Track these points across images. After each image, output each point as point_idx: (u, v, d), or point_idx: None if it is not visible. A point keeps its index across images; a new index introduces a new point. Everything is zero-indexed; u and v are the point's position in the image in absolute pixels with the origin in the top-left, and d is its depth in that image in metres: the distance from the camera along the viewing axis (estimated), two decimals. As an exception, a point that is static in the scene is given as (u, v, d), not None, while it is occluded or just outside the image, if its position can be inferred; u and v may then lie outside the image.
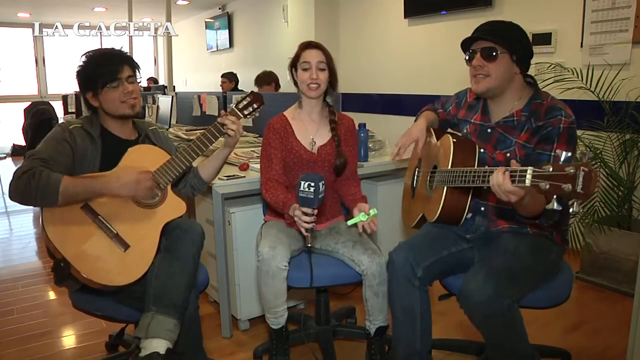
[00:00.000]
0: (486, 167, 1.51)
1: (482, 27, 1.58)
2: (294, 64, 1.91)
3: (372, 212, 1.69)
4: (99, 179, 1.55)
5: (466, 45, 1.61)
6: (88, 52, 1.69)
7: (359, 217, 1.69)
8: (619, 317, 2.35)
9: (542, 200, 1.35)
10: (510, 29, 1.56)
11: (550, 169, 1.13)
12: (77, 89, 1.73)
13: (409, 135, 1.83)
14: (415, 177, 1.91)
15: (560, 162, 1.12)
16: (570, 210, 1.12)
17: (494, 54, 1.52)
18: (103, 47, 1.78)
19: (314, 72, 1.84)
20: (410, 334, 1.62)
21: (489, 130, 1.65)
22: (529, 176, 1.18)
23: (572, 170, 1.08)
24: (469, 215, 1.66)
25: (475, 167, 1.59)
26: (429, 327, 1.64)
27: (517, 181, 1.22)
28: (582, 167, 1.07)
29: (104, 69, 1.64)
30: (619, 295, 2.60)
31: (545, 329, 2.24)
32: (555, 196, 1.12)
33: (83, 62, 1.67)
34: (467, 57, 1.61)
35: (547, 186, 1.13)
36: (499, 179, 1.27)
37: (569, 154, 1.13)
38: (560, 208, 1.14)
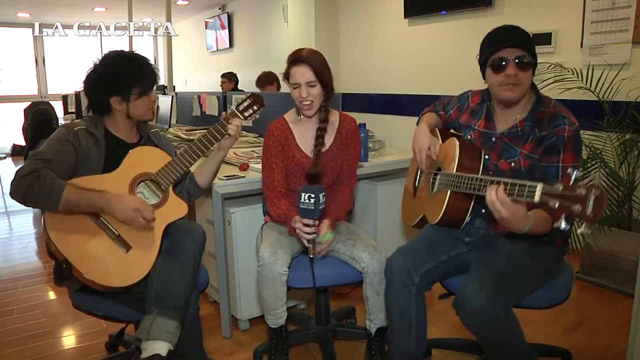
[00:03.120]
0: (490, 175, 1.45)
1: (509, 33, 1.51)
2: (286, 77, 1.85)
3: (326, 236, 1.74)
4: (102, 196, 1.52)
5: (489, 49, 1.51)
6: (116, 54, 1.66)
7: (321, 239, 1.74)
8: (619, 317, 2.35)
9: (548, 222, 1.33)
10: (527, 35, 1.53)
11: (561, 188, 1.11)
12: (86, 88, 1.66)
13: (420, 148, 1.75)
14: (418, 177, 1.91)
15: (571, 181, 1.11)
16: (579, 231, 1.11)
17: (527, 62, 1.48)
18: (124, 50, 1.72)
19: (304, 90, 1.79)
20: (405, 339, 1.63)
21: (493, 139, 1.63)
22: (538, 192, 1.16)
23: (583, 192, 1.08)
24: (469, 218, 1.65)
25: (480, 173, 1.58)
26: (424, 332, 1.64)
27: (525, 196, 1.21)
28: (593, 190, 1.07)
29: (144, 77, 1.65)
30: (619, 295, 2.60)
31: (545, 329, 2.24)
32: (564, 215, 1.11)
33: (113, 64, 1.63)
34: (494, 65, 1.50)
35: (557, 205, 1.11)
36: (492, 196, 1.26)
37: (580, 173, 1.12)
38: (568, 227, 1.13)
